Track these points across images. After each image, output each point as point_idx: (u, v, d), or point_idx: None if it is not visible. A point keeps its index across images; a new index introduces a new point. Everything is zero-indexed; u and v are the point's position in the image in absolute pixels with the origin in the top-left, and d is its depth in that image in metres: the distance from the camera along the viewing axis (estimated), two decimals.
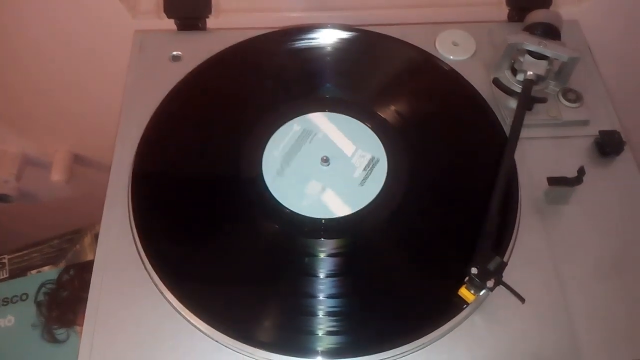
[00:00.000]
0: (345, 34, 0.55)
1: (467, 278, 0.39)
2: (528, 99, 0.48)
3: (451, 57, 0.54)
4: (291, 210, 0.44)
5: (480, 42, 0.55)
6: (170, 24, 0.56)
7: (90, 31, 0.61)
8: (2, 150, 0.74)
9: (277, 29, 0.56)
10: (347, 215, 0.44)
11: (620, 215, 0.46)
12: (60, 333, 0.66)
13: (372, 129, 0.49)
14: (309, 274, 0.42)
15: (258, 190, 0.45)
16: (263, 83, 0.53)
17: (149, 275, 0.42)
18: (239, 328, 0.39)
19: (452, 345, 0.40)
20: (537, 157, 0.48)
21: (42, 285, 0.69)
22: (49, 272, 0.70)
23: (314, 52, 0.54)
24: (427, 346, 0.39)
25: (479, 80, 0.52)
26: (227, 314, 0.40)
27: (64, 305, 0.68)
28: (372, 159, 0.47)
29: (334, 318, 0.40)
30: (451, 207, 0.46)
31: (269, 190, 0.45)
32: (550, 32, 0.50)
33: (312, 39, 0.55)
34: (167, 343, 0.39)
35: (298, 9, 0.59)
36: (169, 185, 0.47)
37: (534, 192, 0.46)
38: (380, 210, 0.45)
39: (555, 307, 0.41)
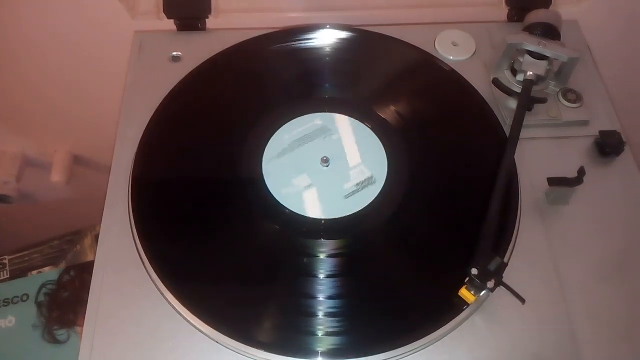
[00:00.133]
0: (344, 34, 0.55)
1: (467, 279, 0.39)
2: (528, 99, 0.48)
3: (451, 57, 0.54)
4: (291, 211, 0.44)
5: (479, 42, 0.55)
6: (170, 24, 0.56)
7: (90, 32, 0.61)
8: (1, 151, 0.74)
9: (277, 29, 0.56)
10: (344, 217, 0.44)
11: (621, 215, 0.46)
12: (61, 333, 0.66)
13: (372, 129, 0.49)
14: (309, 274, 0.42)
15: (258, 191, 0.45)
16: (262, 83, 0.53)
17: (149, 275, 0.42)
18: (238, 328, 0.39)
19: (452, 346, 0.39)
20: (537, 157, 0.48)
21: (43, 285, 0.69)
22: (50, 273, 0.70)
23: (313, 52, 0.54)
24: (427, 347, 0.39)
25: (478, 81, 0.52)
26: (227, 315, 0.40)
27: (65, 306, 0.68)
28: (369, 178, 0.46)
29: (334, 318, 0.40)
30: (451, 207, 0.46)
31: (270, 193, 0.45)
32: (550, 32, 0.50)
33: (312, 39, 0.55)
34: (167, 343, 0.39)
35: (298, 9, 0.59)
36: (168, 186, 0.47)
37: (534, 192, 0.46)
38: (380, 210, 0.45)
39: (555, 308, 0.41)
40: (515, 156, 0.45)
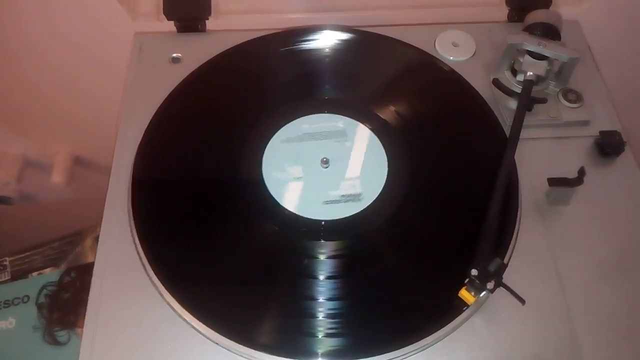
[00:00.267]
0: (344, 35, 0.55)
1: (467, 280, 0.39)
2: (528, 100, 0.48)
3: (451, 57, 0.54)
4: (290, 211, 0.44)
5: (480, 43, 0.55)
6: (170, 25, 0.56)
7: (90, 33, 0.61)
8: (2, 152, 0.74)
9: (277, 31, 0.56)
10: (348, 217, 0.44)
11: (621, 215, 0.45)
12: (62, 335, 0.66)
13: (372, 130, 0.49)
14: (309, 275, 0.42)
15: (258, 193, 0.46)
16: (262, 84, 0.53)
17: (149, 277, 0.42)
18: (239, 330, 0.39)
19: (452, 347, 0.39)
20: (537, 157, 0.48)
21: (44, 287, 0.69)
22: (50, 274, 0.70)
23: (313, 54, 0.54)
24: (427, 348, 0.39)
25: (478, 81, 0.52)
26: (227, 316, 0.40)
27: (65, 307, 0.68)
28: (357, 195, 0.45)
29: (334, 320, 0.40)
30: (451, 208, 0.46)
31: (271, 194, 0.45)
32: (550, 32, 0.50)
33: (312, 40, 0.55)
34: (167, 345, 0.39)
35: (298, 11, 0.59)
36: (169, 187, 0.47)
37: (535, 192, 0.46)
38: (380, 212, 0.45)
39: (555, 308, 0.41)
40: (515, 156, 0.45)
